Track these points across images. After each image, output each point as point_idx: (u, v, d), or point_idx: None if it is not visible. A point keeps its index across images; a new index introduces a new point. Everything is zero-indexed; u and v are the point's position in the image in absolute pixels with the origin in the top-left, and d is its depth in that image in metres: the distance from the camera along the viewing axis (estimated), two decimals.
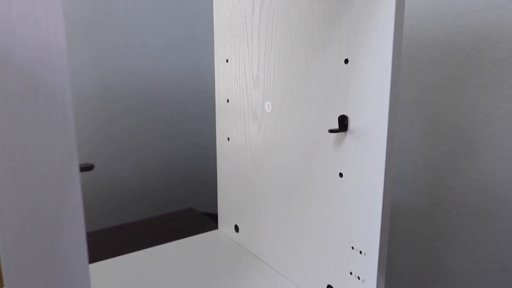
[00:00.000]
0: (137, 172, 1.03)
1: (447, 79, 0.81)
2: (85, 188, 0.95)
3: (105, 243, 0.71)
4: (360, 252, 0.44)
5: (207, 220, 0.80)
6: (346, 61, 0.43)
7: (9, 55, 0.24)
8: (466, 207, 0.77)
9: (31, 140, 0.26)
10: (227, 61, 0.61)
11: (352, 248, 0.45)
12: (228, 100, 0.62)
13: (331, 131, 0.45)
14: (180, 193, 1.11)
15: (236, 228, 0.66)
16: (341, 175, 0.46)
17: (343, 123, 0.44)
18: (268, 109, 0.55)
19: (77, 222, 0.28)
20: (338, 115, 0.45)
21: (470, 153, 0.76)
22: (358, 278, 0.45)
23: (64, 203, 0.27)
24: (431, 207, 0.83)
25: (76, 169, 0.27)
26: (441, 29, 0.80)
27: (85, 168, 0.30)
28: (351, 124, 0.44)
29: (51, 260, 0.27)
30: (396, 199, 0.89)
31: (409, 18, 0.85)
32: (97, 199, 0.97)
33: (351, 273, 0.46)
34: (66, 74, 0.26)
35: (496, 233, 0.73)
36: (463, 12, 0.76)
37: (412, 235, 0.86)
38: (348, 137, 0.44)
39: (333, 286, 0.49)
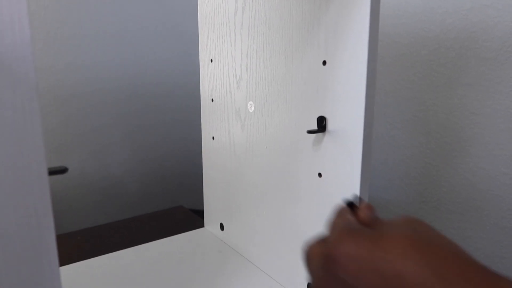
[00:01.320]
0: (125, 169, 1.04)
1: (436, 77, 0.81)
2: (72, 186, 0.96)
3: (93, 241, 0.72)
4: None
5: (195, 217, 0.81)
6: (324, 62, 0.44)
7: None
8: (455, 204, 0.77)
9: None
10: (211, 60, 0.61)
11: None
12: (212, 100, 0.62)
13: (310, 131, 0.45)
14: (170, 190, 1.12)
15: (221, 227, 0.66)
16: (320, 175, 0.46)
17: (321, 124, 0.45)
18: (251, 109, 0.55)
19: (47, 227, 0.28)
20: (317, 116, 0.45)
21: (458, 151, 0.76)
22: None
23: (33, 210, 0.28)
24: (420, 204, 0.83)
25: (45, 173, 0.28)
26: (430, 27, 0.81)
27: (57, 171, 0.31)
28: (329, 125, 0.44)
29: (21, 261, 0.28)
30: (385, 196, 0.89)
31: (399, 16, 0.85)
32: (84, 197, 0.98)
33: None
34: (32, 69, 0.26)
35: (483, 230, 0.73)
36: (452, 11, 0.76)
37: None
38: (326, 138, 0.45)
39: None
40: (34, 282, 0.28)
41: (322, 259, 0.29)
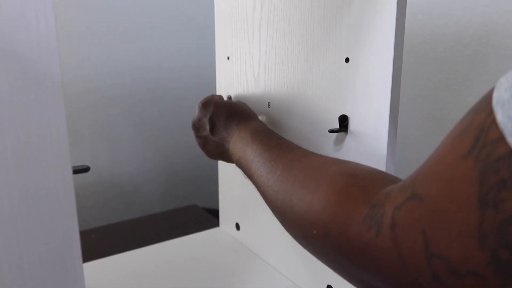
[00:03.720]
0: (138, 167, 1.03)
1: (452, 75, 0.80)
2: (87, 184, 0.95)
3: (108, 239, 0.71)
4: None
5: (209, 217, 0.80)
6: (347, 60, 0.43)
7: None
8: None
9: (22, 139, 0.25)
10: (228, 58, 0.60)
11: None
12: (230, 98, 0.61)
13: (331, 131, 0.44)
14: (183, 189, 1.11)
15: (237, 226, 0.66)
16: None
17: (343, 123, 0.44)
18: (269, 107, 0.54)
19: (70, 225, 0.28)
20: (339, 115, 0.44)
21: None
22: None
23: (56, 206, 0.27)
24: None
25: (70, 173, 0.27)
26: (446, 24, 0.79)
27: (80, 170, 0.30)
28: (352, 125, 0.43)
29: (43, 260, 0.27)
30: None
31: (414, 13, 0.84)
32: (99, 195, 0.98)
33: None
34: (57, 65, 0.26)
35: None
36: (469, 7, 0.74)
37: None
38: (348, 138, 0.44)
39: (332, 286, 0.49)
40: (58, 278, 0.28)
41: (202, 105, 0.51)
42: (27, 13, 0.24)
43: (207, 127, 0.49)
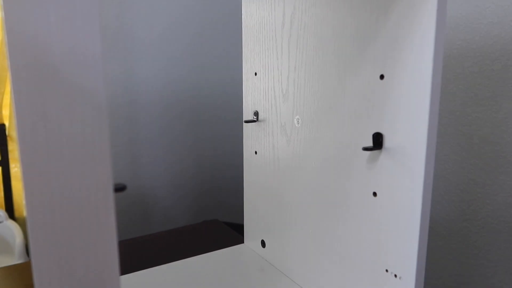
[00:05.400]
0: (158, 181, 1.03)
1: (480, 90, 0.78)
2: None
3: (128, 254, 0.71)
4: (395, 276, 0.43)
5: (231, 232, 0.79)
6: (382, 76, 0.42)
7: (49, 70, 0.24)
8: (501, 223, 0.74)
9: (67, 153, 0.25)
10: (255, 74, 0.60)
11: (387, 271, 0.44)
12: (256, 113, 0.61)
13: (365, 149, 0.43)
14: (206, 202, 1.10)
15: (263, 243, 0.64)
16: (375, 194, 0.44)
17: (377, 141, 0.43)
18: (298, 123, 0.53)
19: (110, 246, 0.27)
20: (372, 133, 0.43)
21: (504, 167, 0.73)
22: None
23: (97, 225, 0.27)
24: (463, 222, 0.80)
25: (111, 190, 0.27)
26: (474, 39, 0.78)
27: (118, 189, 0.30)
28: (387, 142, 0.42)
29: (82, 275, 0.27)
30: None
31: None
32: (120, 209, 0.98)
33: None
34: (102, 84, 0.26)
35: None
36: (498, 22, 0.73)
37: (443, 250, 0.83)
38: (383, 156, 0.43)
39: None
40: None
41: None
42: (77, 48, 0.24)
43: None
